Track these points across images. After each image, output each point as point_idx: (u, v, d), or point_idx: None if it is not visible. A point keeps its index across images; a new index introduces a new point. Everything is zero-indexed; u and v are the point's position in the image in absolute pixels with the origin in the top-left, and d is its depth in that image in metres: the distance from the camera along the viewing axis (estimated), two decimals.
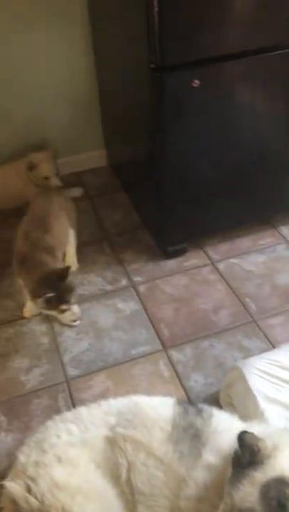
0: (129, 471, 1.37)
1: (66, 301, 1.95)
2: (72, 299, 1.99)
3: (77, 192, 2.84)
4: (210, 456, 1.35)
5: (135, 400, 1.54)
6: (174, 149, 2.07)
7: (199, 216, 2.33)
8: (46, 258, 2.01)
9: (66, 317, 2.04)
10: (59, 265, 2.06)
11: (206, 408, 1.48)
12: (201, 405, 1.50)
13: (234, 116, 2.08)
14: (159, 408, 1.48)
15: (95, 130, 2.96)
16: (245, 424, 1.47)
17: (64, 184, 2.91)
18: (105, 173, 3.06)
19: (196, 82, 1.88)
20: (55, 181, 2.65)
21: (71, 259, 2.32)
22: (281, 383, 1.61)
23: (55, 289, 1.90)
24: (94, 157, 3.05)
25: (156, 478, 1.35)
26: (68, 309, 1.99)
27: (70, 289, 1.96)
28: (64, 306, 1.96)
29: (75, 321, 2.06)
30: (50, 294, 1.89)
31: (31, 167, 2.63)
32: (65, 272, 1.94)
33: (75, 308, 2.07)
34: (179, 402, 1.51)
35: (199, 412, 1.46)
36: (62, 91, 2.76)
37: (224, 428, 1.42)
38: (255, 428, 1.44)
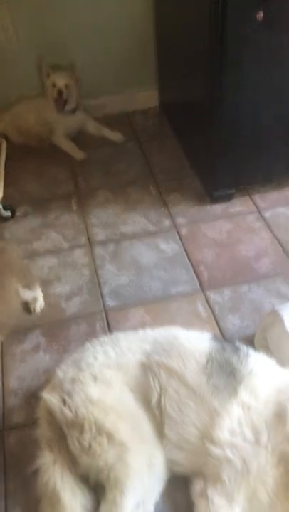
0: (160, 395, 1.42)
1: None
2: None
3: (116, 137, 2.81)
4: (246, 396, 1.37)
5: (173, 331, 1.57)
6: (232, 90, 2.00)
7: (250, 162, 2.27)
8: None
9: None
10: None
11: (243, 348, 1.50)
12: (238, 344, 1.51)
13: None
14: (195, 341, 1.50)
15: (149, 68, 2.89)
16: (282, 369, 1.48)
17: (113, 123, 2.89)
18: (156, 114, 3.01)
19: (260, 15, 1.79)
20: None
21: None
22: None
23: None
24: (145, 97, 3.00)
25: (187, 407, 1.38)
26: None
27: None
28: None
29: None
30: None
31: (48, 74, 2.66)
32: None
33: None
34: (216, 339, 1.53)
35: (236, 350, 1.48)
36: (118, 25, 2.70)
37: (261, 370, 1.43)
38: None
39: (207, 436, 1.35)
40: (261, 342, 1.74)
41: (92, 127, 2.85)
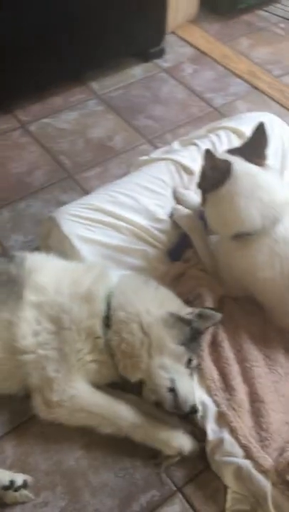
0: None
1: None
2: None
3: None
4: (32, 295, 1.35)
5: None
6: None
7: (7, 76, 2.12)
8: None
9: None
10: None
11: (19, 254, 1.46)
12: (13, 253, 1.48)
13: None
14: None
15: None
16: (62, 261, 1.50)
17: None
18: None
19: None
20: None
21: None
22: (94, 223, 1.64)
23: None
24: None
25: None
26: None
27: None
28: None
29: None
30: None
31: None
32: None
33: None
34: None
35: (11, 259, 1.44)
36: None
37: (40, 265, 1.42)
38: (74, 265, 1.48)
39: (13, 349, 1.32)
40: (46, 251, 1.74)
41: None
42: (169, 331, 1.29)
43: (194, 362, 1.34)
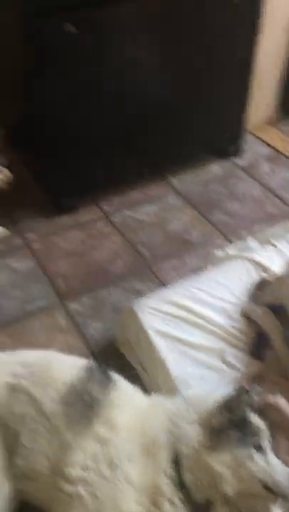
0: (17, 422, 1.30)
1: None
2: None
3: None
4: (103, 430, 1.25)
5: (48, 355, 1.46)
6: (56, 100, 2.02)
7: (90, 170, 2.32)
8: None
9: None
10: None
11: (113, 378, 1.37)
12: (110, 373, 1.39)
13: (118, 64, 2.07)
14: (65, 368, 1.39)
15: None
16: (144, 399, 1.40)
17: None
18: None
19: (72, 28, 1.84)
20: None
21: None
22: (172, 318, 1.68)
23: None
24: None
25: (40, 436, 1.27)
26: None
27: None
28: None
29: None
30: None
31: None
32: None
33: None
34: (89, 366, 1.40)
35: (104, 380, 1.36)
36: None
37: (123, 403, 1.32)
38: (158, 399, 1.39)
39: (58, 471, 1.23)
40: (123, 340, 1.79)
41: None
42: (218, 451, 1.16)
43: (264, 441, 1.18)
